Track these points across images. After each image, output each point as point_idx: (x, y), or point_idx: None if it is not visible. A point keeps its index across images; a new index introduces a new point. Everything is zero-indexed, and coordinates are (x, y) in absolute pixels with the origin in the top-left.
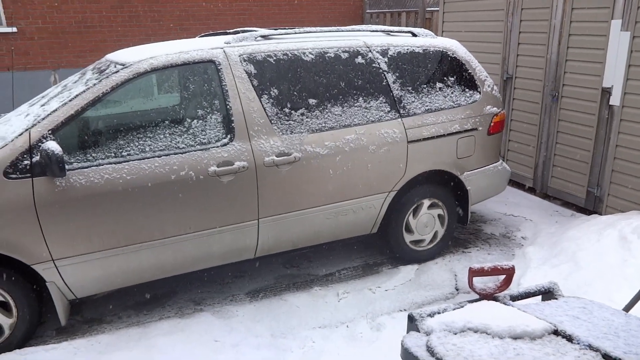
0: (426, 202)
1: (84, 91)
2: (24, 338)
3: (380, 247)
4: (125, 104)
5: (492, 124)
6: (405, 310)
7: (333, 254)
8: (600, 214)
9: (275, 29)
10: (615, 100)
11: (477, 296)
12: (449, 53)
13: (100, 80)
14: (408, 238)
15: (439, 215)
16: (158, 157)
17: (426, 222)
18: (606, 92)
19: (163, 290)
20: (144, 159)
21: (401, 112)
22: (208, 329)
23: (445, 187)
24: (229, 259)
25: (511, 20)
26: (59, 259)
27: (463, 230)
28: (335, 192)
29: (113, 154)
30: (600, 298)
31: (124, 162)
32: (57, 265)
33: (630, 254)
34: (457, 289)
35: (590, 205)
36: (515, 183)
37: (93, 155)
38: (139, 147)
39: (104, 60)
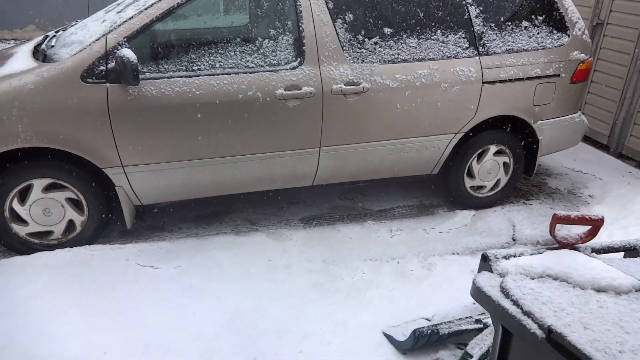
0: (493, 148)
1: (159, 0)
2: (93, 235)
3: (438, 189)
4: (197, 20)
5: (576, 72)
6: (458, 253)
7: (389, 190)
8: None
9: None
10: None
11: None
12: None
13: None
14: (469, 183)
15: (504, 163)
16: (227, 74)
17: (490, 168)
18: None
19: (221, 208)
20: (213, 75)
21: (480, 49)
22: (262, 249)
23: (516, 134)
24: (288, 183)
25: None
26: (128, 166)
27: (527, 181)
28: (401, 128)
29: (184, 68)
30: None
31: (194, 76)
32: (126, 171)
33: None
34: (514, 239)
35: None
36: (588, 139)
37: (165, 67)
38: (209, 63)
39: None
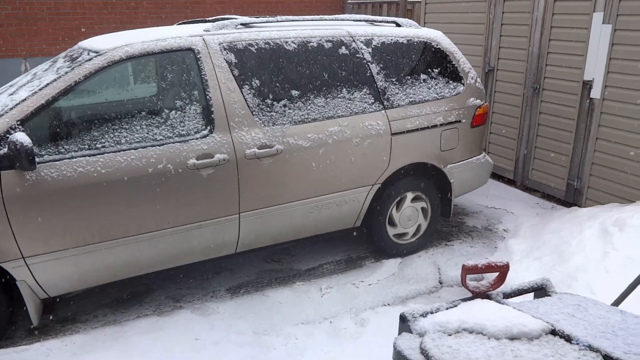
0: (409, 195)
1: (55, 80)
2: None
3: (364, 240)
4: (99, 94)
5: (475, 116)
6: (389, 304)
7: (315, 247)
8: (580, 207)
9: (257, 17)
10: (595, 93)
11: (468, 294)
12: (433, 44)
13: (73, 69)
14: (391, 231)
15: (422, 208)
16: (134, 149)
17: (409, 215)
18: (587, 85)
19: (140, 288)
20: (119, 151)
21: (385, 103)
22: (188, 327)
23: (429, 179)
24: (209, 254)
25: (493, 12)
26: (30, 257)
27: (446, 223)
28: (318, 185)
29: (87, 146)
30: (584, 291)
31: (99, 154)
32: (27, 263)
33: (612, 247)
34: (440, 283)
35: (570, 197)
36: (496, 175)
37: (65, 147)
38: (114, 138)
39: (77, 47)
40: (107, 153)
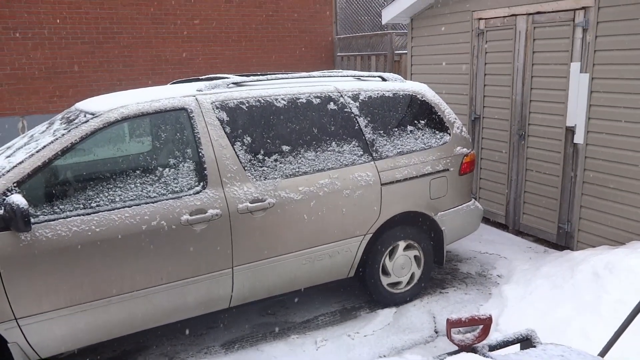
0: (402, 244)
1: (52, 142)
2: None
3: (358, 290)
4: (95, 153)
5: (462, 165)
6: (384, 356)
7: (310, 299)
8: (572, 250)
9: (247, 75)
10: (579, 138)
11: (455, 347)
12: (418, 96)
13: (69, 130)
14: (385, 281)
15: (415, 257)
16: (129, 207)
17: (402, 264)
18: (570, 131)
19: (133, 346)
20: (114, 209)
21: (374, 155)
22: None
23: (420, 228)
24: (203, 309)
25: (476, 63)
26: (23, 318)
27: (440, 270)
28: (311, 237)
29: (82, 205)
30: (577, 336)
31: (93, 213)
32: (20, 324)
33: (604, 290)
34: (436, 332)
35: (561, 240)
36: (488, 220)
37: (60, 207)
38: (108, 197)
39: (73, 109)
40: (102, 212)
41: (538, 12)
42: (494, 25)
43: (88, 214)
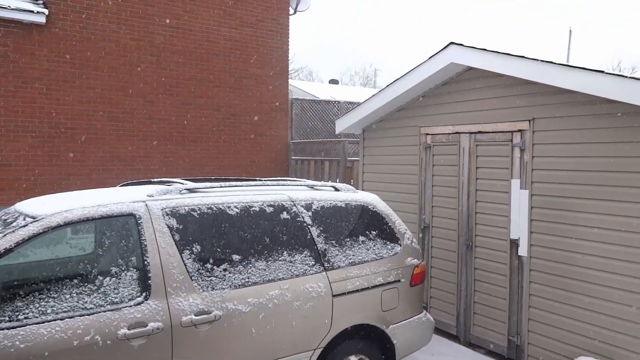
0: (353, 359)
1: None
2: None
3: None
4: (28, 256)
5: (413, 275)
6: None
7: None
8: None
9: (201, 179)
10: (522, 251)
11: None
12: (369, 207)
13: (5, 235)
14: None
15: None
16: (61, 319)
17: None
18: (514, 243)
19: None
20: (43, 322)
21: (325, 265)
22: None
23: (372, 341)
24: None
25: (425, 174)
26: None
27: None
28: (258, 353)
29: (7, 318)
30: None
31: (19, 327)
32: None
33: None
34: None
35: (512, 354)
36: (441, 331)
37: None
38: (39, 308)
39: (13, 210)
40: (29, 325)
41: (480, 132)
42: (440, 141)
43: (13, 328)
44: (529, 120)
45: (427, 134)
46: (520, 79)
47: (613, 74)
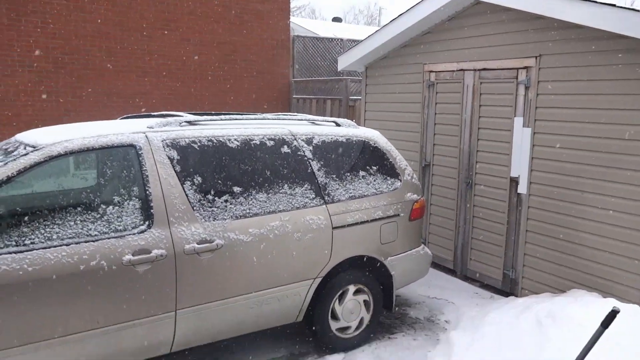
0: (352, 288)
1: None
2: None
3: (306, 335)
4: (33, 186)
5: (413, 210)
6: None
7: (256, 343)
8: (517, 296)
9: (201, 113)
10: (522, 188)
11: None
12: (370, 143)
13: (6, 163)
14: (334, 325)
15: (364, 301)
16: (67, 245)
17: (352, 308)
18: (514, 181)
19: None
20: (50, 247)
21: (326, 198)
22: None
23: (370, 272)
24: (142, 355)
25: (427, 113)
26: None
27: (389, 315)
28: (259, 280)
29: (14, 242)
30: None
31: (27, 251)
32: None
33: (545, 339)
34: None
35: (507, 287)
36: (437, 265)
37: None
38: (45, 234)
39: (13, 140)
40: (36, 250)
41: (484, 69)
42: (444, 78)
43: (20, 252)
44: (536, 57)
45: (431, 71)
46: (529, 14)
47: (624, 7)
